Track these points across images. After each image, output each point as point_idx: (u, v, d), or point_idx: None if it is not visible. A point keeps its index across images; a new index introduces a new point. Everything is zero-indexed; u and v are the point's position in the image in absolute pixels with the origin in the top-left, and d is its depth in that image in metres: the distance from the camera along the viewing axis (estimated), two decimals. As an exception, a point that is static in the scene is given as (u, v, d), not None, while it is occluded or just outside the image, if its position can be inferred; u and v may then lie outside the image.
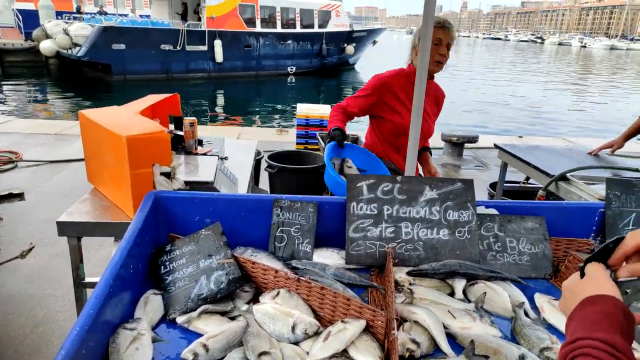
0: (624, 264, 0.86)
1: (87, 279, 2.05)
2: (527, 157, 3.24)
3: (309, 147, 5.27)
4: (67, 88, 17.39)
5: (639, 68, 42.43)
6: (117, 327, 1.18)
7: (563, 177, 2.76)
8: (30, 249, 3.57)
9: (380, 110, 2.61)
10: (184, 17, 21.03)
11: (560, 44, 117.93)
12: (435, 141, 7.17)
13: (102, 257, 3.46)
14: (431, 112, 2.66)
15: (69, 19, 20.19)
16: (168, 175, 1.93)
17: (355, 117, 2.67)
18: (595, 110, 17.36)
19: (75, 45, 17.98)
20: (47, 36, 18.75)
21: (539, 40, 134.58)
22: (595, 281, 0.82)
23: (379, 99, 2.59)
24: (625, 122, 3.31)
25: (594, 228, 1.79)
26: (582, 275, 0.86)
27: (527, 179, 3.98)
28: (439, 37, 2.40)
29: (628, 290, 0.81)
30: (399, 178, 1.70)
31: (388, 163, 2.61)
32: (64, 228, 1.93)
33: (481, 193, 3.34)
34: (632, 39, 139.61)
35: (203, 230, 1.55)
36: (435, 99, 2.71)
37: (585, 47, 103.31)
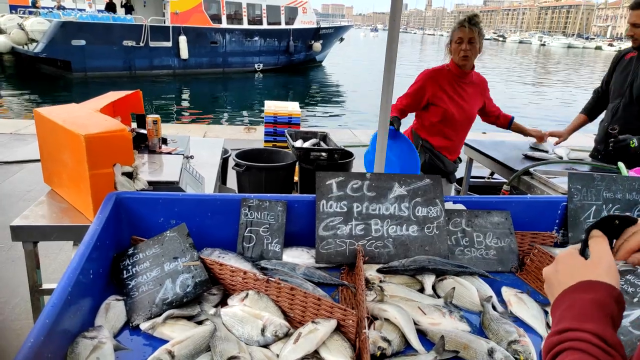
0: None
1: (45, 286, 1.96)
2: (492, 153, 3.31)
3: (278, 144, 5.22)
4: (23, 86, 16.65)
5: (593, 66, 44.25)
6: (76, 336, 1.12)
7: (526, 172, 2.83)
8: (-16, 255, 3.39)
9: (429, 99, 2.91)
10: (111, 7, 20.20)
11: (521, 42, 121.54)
12: (402, 138, 7.25)
13: (61, 262, 3.32)
14: (475, 98, 3.01)
15: (24, 13, 19.32)
16: (130, 176, 1.86)
17: (408, 113, 2.99)
18: (555, 106, 17.97)
19: (32, 41, 17.21)
20: (1, 31, 17.88)
21: (501, 39, 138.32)
22: (597, 264, 0.76)
23: (428, 89, 2.89)
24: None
25: (557, 221, 1.84)
26: (583, 250, 0.79)
27: (492, 174, 4.06)
28: (459, 37, 2.79)
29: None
30: (368, 175, 1.69)
31: (429, 147, 3.01)
32: (18, 232, 1.83)
33: (447, 188, 3.38)
34: (587, 38, 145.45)
35: (168, 232, 1.50)
36: (478, 86, 3.03)
37: (544, 45, 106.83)
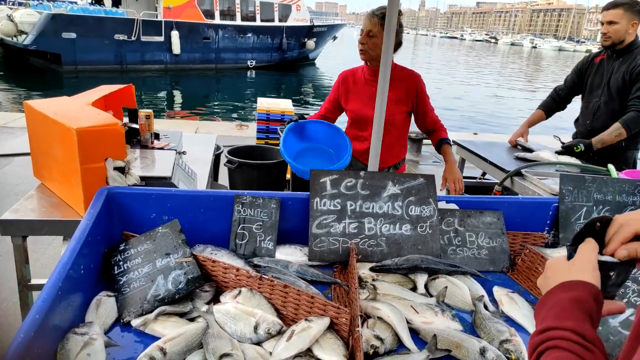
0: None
1: (34, 281, 1.93)
2: (484, 153, 3.33)
3: (270, 142, 5.20)
4: (11, 78, 16.42)
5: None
6: (67, 332, 1.11)
7: (518, 173, 2.85)
8: (-29, 249, 3.34)
9: (341, 101, 2.68)
10: (99, 1, 20.00)
11: (512, 44, 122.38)
12: (394, 137, 7.27)
13: (50, 256, 3.29)
14: (394, 98, 2.48)
15: (13, 4, 19.05)
16: (122, 170, 1.84)
17: (332, 117, 2.73)
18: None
19: (21, 32, 16.99)
20: (-11, 22, 17.62)
21: (493, 40, 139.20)
22: (578, 265, 0.80)
23: (339, 90, 2.66)
24: (570, 120, 3.61)
25: (548, 222, 1.85)
26: (570, 256, 0.83)
27: (484, 174, 4.09)
28: (361, 29, 2.50)
29: (611, 274, 0.78)
30: (362, 173, 1.69)
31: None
32: (7, 227, 1.80)
33: (439, 188, 3.40)
34: (578, 41, 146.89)
35: (160, 227, 1.48)
36: (401, 84, 2.52)
37: (535, 47, 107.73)
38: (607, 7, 3.06)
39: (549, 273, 0.83)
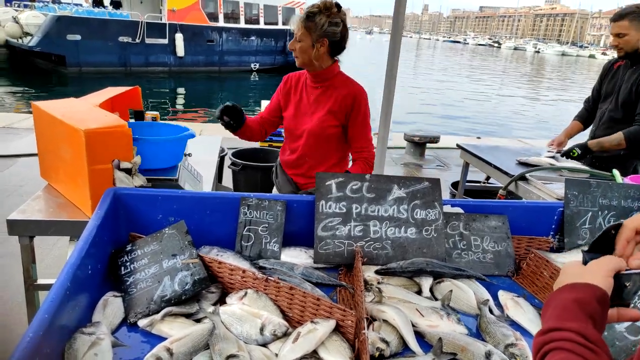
0: (635, 252, 0.85)
1: (40, 281, 1.94)
2: (488, 157, 3.33)
3: (274, 144, 5.21)
4: (17, 79, 16.51)
5: (587, 74, 44.65)
6: (74, 332, 1.11)
7: (522, 177, 2.85)
8: (-24, 249, 3.35)
9: (281, 106, 2.46)
10: (99, 2, 20.10)
11: (515, 48, 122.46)
12: (398, 141, 7.29)
13: (56, 257, 3.30)
14: (326, 108, 2.28)
15: (19, 6, 19.17)
16: (129, 172, 1.85)
17: (270, 118, 2.50)
18: (547, 114, 18.11)
19: (27, 34, 17.11)
20: (-5, 24, 17.73)
21: (496, 45, 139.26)
22: (589, 269, 0.81)
23: (279, 94, 2.45)
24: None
25: (553, 226, 1.85)
26: (585, 262, 0.85)
27: (488, 178, 4.09)
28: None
29: (628, 284, 0.79)
30: (367, 176, 1.70)
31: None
32: (14, 227, 1.81)
33: (443, 192, 3.40)
34: (581, 46, 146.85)
35: (166, 229, 1.49)
36: (341, 97, 2.25)
37: (538, 52, 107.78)
38: (614, 19, 3.03)
39: (562, 277, 0.84)
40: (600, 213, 1.84)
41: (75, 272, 1.15)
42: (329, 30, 2.15)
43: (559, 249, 1.83)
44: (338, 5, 2.19)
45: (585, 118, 3.49)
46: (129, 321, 1.27)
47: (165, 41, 19.00)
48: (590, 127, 3.39)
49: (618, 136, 2.97)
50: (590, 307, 0.73)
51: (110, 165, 1.77)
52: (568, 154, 3.11)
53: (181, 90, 17.87)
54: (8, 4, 19.71)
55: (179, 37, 19.05)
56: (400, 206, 1.69)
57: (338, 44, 2.23)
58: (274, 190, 2.62)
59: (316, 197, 1.66)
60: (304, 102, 2.34)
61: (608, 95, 3.21)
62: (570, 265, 0.86)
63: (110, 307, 1.28)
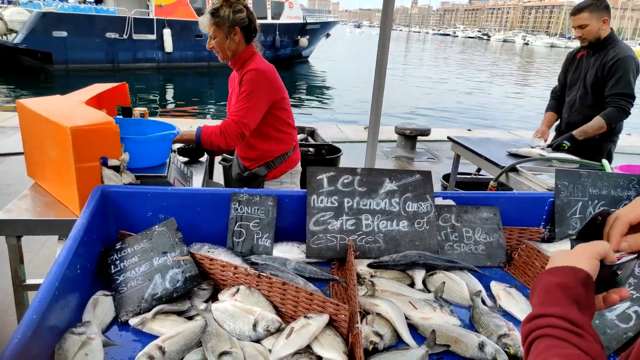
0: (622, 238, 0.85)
1: (29, 281, 1.91)
2: (479, 149, 3.34)
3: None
4: (1, 77, 16.25)
5: (576, 65, 44.84)
6: (64, 332, 1.10)
7: (513, 168, 2.86)
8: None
9: None
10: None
11: (505, 40, 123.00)
12: (389, 134, 7.29)
13: (44, 256, 3.26)
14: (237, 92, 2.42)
15: (2, 2, 18.85)
16: (117, 169, 1.82)
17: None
18: (537, 105, 18.23)
19: (11, 31, 16.80)
20: (-21, 21, 17.40)
21: (485, 37, 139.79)
22: (574, 253, 0.80)
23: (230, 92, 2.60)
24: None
25: (544, 217, 1.86)
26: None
27: (479, 170, 4.10)
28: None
29: (619, 272, 0.79)
30: (359, 170, 1.69)
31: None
32: (1, 227, 1.78)
33: (435, 185, 3.41)
34: (569, 38, 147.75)
35: (157, 226, 1.47)
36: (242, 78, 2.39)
37: (527, 44, 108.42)
38: (573, 13, 3.20)
39: (550, 263, 0.83)
40: (590, 203, 1.85)
41: (65, 271, 1.13)
42: (236, 17, 2.31)
43: (550, 239, 1.84)
44: None
45: (556, 107, 3.64)
46: (119, 320, 1.26)
47: (153, 37, 18.79)
48: (563, 115, 3.52)
49: (599, 121, 3.11)
50: (574, 291, 0.73)
51: (97, 163, 1.74)
52: (559, 148, 3.21)
53: (170, 86, 17.72)
54: (-9, 1, 19.39)
55: (167, 33, 18.86)
56: (392, 199, 1.68)
57: (248, 27, 2.39)
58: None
59: (308, 192, 1.65)
60: (235, 92, 2.45)
61: (574, 83, 3.39)
62: (558, 252, 0.86)
63: (101, 306, 1.26)
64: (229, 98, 2.57)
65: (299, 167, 2.71)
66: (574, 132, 3.20)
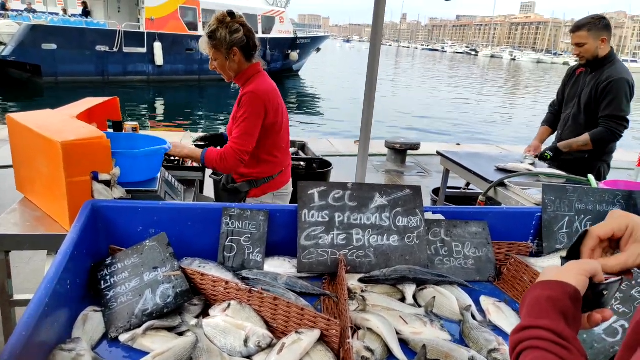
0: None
1: (16, 297, 1.89)
2: (468, 164, 3.38)
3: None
4: (-10, 90, 16.12)
5: (559, 81, 45.70)
6: (54, 349, 1.09)
7: (501, 183, 2.90)
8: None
9: None
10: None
11: (492, 56, 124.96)
12: (379, 148, 7.34)
13: (32, 271, 3.22)
14: (233, 115, 2.45)
15: (-8, 15, 18.76)
16: (108, 184, 1.82)
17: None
18: (525, 120, 18.49)
19: (0, 44, 16.73)
20: (-32, 33, 17.30)
21: (473, 53, 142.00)
22: (563, 269, 0.82)
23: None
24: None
25: (532, 231, 1.88)
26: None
27: (468, 184, 4.15)
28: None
29: (605, 292, 0.81)
30: (349, 185, 1.71)
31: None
32: (-11, 242, 1.76)
33: (424, 199, 3.44)
34: (555, 54, 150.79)
35: (147, 241, 1.47)
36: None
37: (515, 59, 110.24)
38: (573, 31, 3.24)
39: (539, 277, 0.85)
40: (577, 217, 1.88)
41: (54, 287, 1.12)
42: (234, 39, 2.31)
43: (538, 254, 1.86)
44: (231, 14, 2.35)
45: (552, 121, 3.68)
46: (109, 336, 1.25)
47: (144, 50, 18.80)
48: (557, 130, 3.57)
49: (584, 138, 3.18)
50: (562, 304, 0.75)
51: (88, 178, 1.74)
52: (542, 157, 3.31)
53: (160, 99, 17.69)
54: (-20, 14, 19.28)
55: (157, 46, 18.88)
56: (383, 214, 1.70)
57: (247, 46, 2.38)
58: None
59: (299, 207, 1.66)
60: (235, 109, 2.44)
61: (570, 99, 3.42)
62: (549, 268, 0.87)
63: (91, 322, 1.26)
64: (232, 112, 2.51)
65: (286, 189, 2.66)
66: (559, 144, 3.29)
